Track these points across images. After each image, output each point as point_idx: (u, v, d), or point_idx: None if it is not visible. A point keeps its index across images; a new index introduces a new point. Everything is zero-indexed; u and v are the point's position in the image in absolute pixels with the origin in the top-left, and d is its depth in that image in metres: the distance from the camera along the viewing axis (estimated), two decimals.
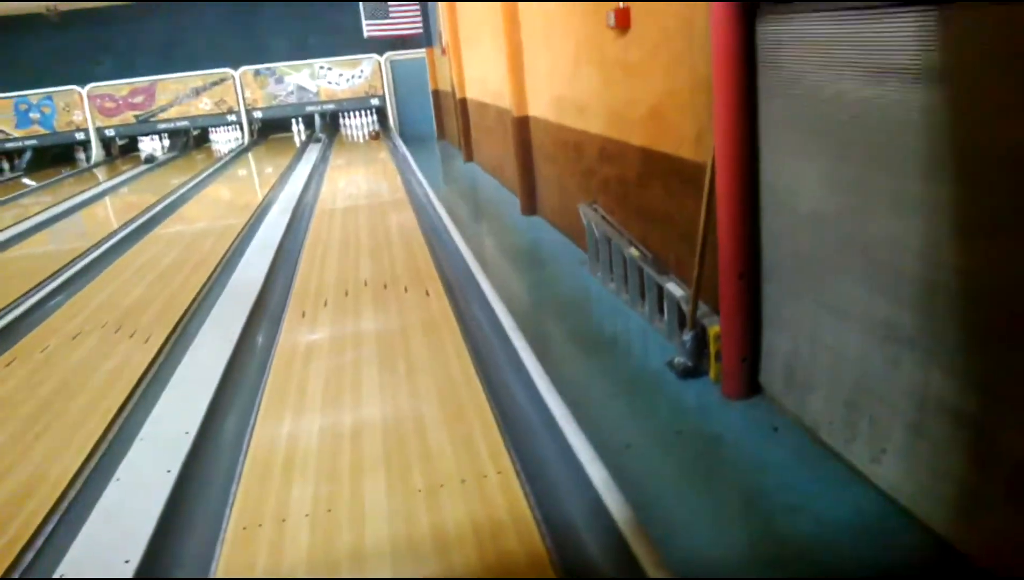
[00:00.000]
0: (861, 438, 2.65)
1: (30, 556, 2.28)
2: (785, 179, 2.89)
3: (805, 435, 2.92)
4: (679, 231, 3.91)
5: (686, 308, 3.59)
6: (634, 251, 4.28)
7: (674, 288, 3.79)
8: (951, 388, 2.23)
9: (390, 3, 15.13)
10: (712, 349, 3.41)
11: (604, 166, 5.01)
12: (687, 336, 3.52)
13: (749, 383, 3.29)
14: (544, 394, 2.81)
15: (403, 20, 15.24)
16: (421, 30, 15.04)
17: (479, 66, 9.63)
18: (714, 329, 3.38)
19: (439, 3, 11.62)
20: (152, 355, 3.88)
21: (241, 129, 15.26)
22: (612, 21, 4.25)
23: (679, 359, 3.56)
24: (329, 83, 15.34)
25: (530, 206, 7.23)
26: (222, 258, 5.88)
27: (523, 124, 7.16)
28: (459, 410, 2.93)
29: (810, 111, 2.64)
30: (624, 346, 4.09)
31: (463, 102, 11.05)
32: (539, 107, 6.72)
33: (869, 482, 2.58)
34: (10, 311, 4.92)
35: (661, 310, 4.00)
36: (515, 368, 3.20)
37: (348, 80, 15.37)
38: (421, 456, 2.61)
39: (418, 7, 14.95)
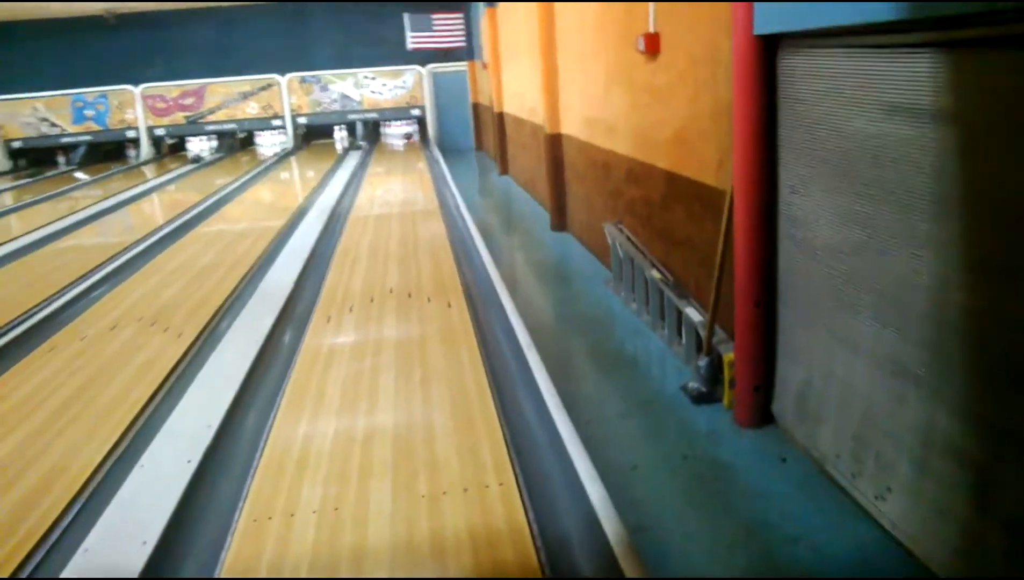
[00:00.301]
0: (867, 474, 2.65)
1: (58, 533, 2.41)
2: (802, 210, 2.91)
3: (813, 467, 2.92)
4: (699, 255, 3.94)
5: (703, 333, 3.62)
6: (656, 273, 4.32)
7: (692, 313, 3.81)
8: (956, 428, 2.23)
9: (434, 16, 15.43)
10: (726, 376, 3.43)
11: (630, 187, 5.06)
12: (702, 361, 3.54)
13: (761, 412, 3.30)
14: (552, 411, 2.86)
15: (446, 33, 15.51)
16: (464, 43, 15.29)
17: (517, 82, 9.76)
18: (729, 356, 3.39)
19: (482, 18, 11.81)
20: (183, 350, 4.04)
21: (285, 134, 15.64)
22: (642, 46, 4.31)
23: (693, 384, 3.59)
24: (372, 92, 15.66)
25: (559, 222, 7.30)
26: (257, 259, 6.07)
27: (556, 141, 7.25)
28: (469, 421, 3.00)
29: (827, 144, 2.67)
30: (641, 367, 4.12)
31: (500, 116, 11.20)
32: (571, 125, 6.80)
33: (873, 519, 2.58)
34: (56, 300, 5.15)
35: (680, 333, 4.02)
36: (527, 383, 3.26)
37: (391, 90, 15.67)
38: (428, 463, 2.69)
39: (462, 20, 15.21)
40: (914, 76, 2.16)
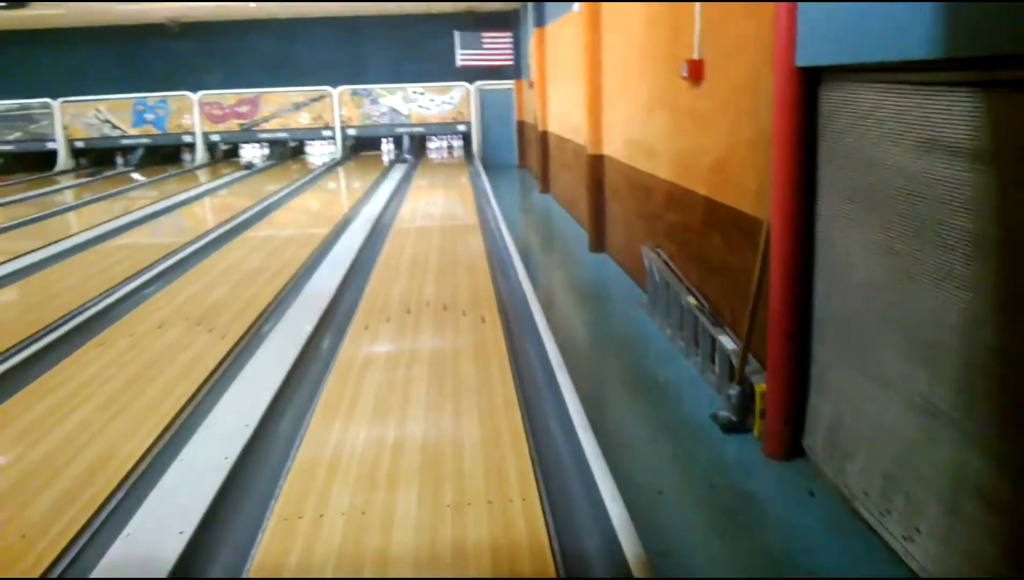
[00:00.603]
0: (896, 513, 2.61)
1: (99, 521, 2.53)
2: (838, 244, 2.91)
3: (841, 503, 2.89)
4: (735, 284, 3.94)
5: (736, 362, 3.61)
6: (691, 299, 4.33)
7: (726, 341, 3.81)
8: (988, 472, 2.20)
9: (483, 34, 15.70)
10: (757, 406, 3.42)
11: (669, 211, 5.08)
12: (734, 391, 3.54)
13: (791, 444, 3.28)
14: (579, 430, 2.90)
15: (495, 51, 15.75)
16: (512, 62, 15.50)
17: (562, 102, 9.86)
18: (761, 386, 3.38)
19: (531, 38, 11.97)
20: (226, 351, 4.18)
21: (335, 144, 16.01)
22: (685, 72, 4.35)
23: (724, 413, 3.58)
24: (420, 107, 15.95)
25: (598, 243, 7.33)
26: (302, 265, 6.24)
27: (597, 162, 7.30)
28: (496, 435, 3.05)
29: (865, 178, 2.68)
30: (672, 392, 4.12)
31: (544, 135, 11.31)
32: (613, 147, 6.85)
33: (900, 559, 2.54)
34: (108, 296, 5.37)
35: (712, 361, 4.02)
36: (555, 402, 3.30)
37: (438, 105, 15.94)
38: (454, 474, 2.74)
39: (510, 39, 15.43)
40: (953, 114, 2.16)
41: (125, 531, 2.44)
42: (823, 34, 2.78)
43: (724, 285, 4.15)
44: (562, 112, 9.91)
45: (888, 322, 2.61)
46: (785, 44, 2.93)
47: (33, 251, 7.15)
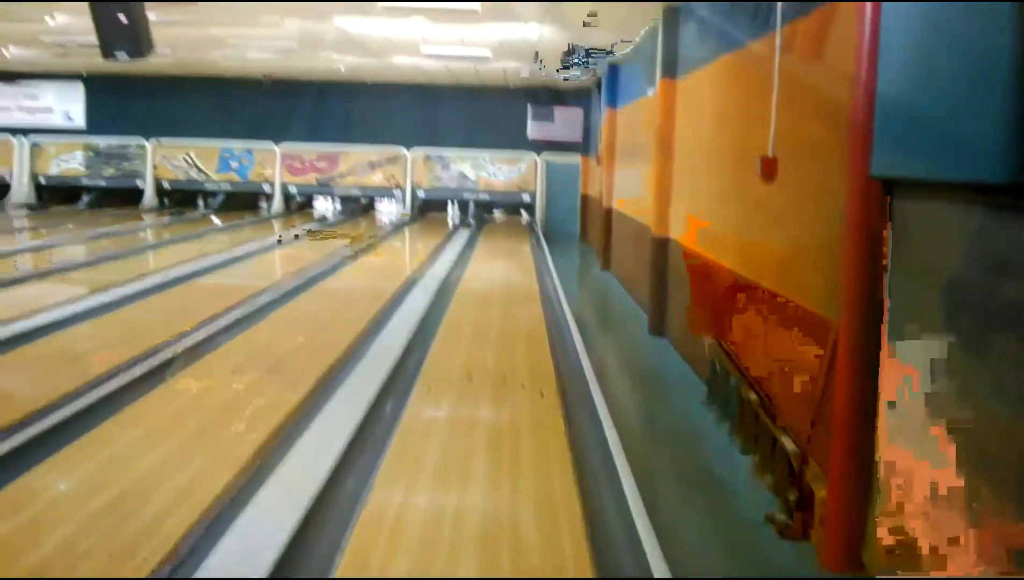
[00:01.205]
0: None
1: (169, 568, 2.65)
2: (904, 355, 2.93)
3: None
4: (799, 384, 3.95)
5: (796, 465, 3.60)
6: (753, 395, 4.34)
7: (787, 442, 3.80)
8: None
9: (556, 108, 16.29)
10: (816, 513, 3.38)
11: (734, 302, 5.14)
12: (792, 495, 3.52)
13: (850, 557, 3.22)
14: (635, 516, 2.95)
15: (565, 126, 16.31)
16: (580, 138, 15.99)
17: (629, 181, 10.11)
18: (821, 493, 3.36)
19: (603, 116, 12.37)
20: (298, 401, 4.36)
21: (403, 204, 16.62)
22: (759, 169, 4.50)
23: (780, 516, 3.55)
24: (488, 174, 16.51)
25: (658, 326, 7.39)
26: (370, 321, 6.47)
27: (662, 245, 7.44)
28: (552, 513, 3.12)
29: (935, 293, 2.72)
30: (728, 489, 4.09)
31: (608, 212, 11.55)
32: (679, 231, 6.98)
33: None
34: (189, 336, 5.66)
35: (772, 460, 4.00)
36: (613, 486, 3.35)
37: (506, 174, 16.47)
38: (511, 547, 2.82)
39: (581, 116, 15.96)
40: None
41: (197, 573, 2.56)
42: (899, 146, 2.87)
43: (787, 384, 4.16)
44: (628, 191, 10.14)
45: (952, 439, 2.61)
46: (860, 153, 3.04)
47: (119, 285, 7.62)
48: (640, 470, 3.51)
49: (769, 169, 4.47)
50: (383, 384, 4.71)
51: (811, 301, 3.88)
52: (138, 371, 4.77)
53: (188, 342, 5.54)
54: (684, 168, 6.86)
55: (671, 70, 7.38)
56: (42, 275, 8.70)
